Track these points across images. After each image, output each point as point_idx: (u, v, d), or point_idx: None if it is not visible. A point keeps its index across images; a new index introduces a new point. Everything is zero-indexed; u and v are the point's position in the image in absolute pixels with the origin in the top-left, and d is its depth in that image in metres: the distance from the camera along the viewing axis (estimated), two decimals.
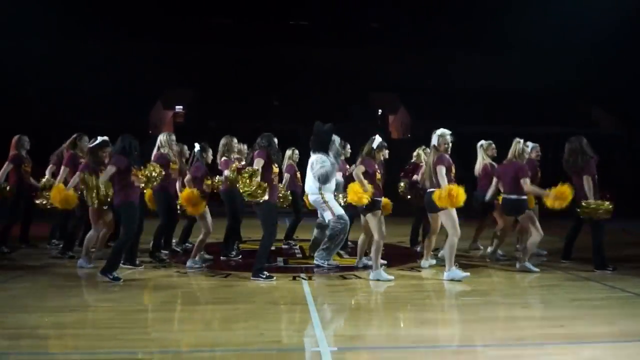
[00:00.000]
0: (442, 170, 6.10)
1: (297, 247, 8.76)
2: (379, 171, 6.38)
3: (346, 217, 6.89)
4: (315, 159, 7.02)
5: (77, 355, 3.77)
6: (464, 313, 5.09)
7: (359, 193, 6.09)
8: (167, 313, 4.92)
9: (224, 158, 7.45)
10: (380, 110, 25.12)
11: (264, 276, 6.09)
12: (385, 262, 6.76)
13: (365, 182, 6.13)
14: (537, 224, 6.69)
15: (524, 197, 6.71)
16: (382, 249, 6.29)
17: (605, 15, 19.78)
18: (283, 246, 8.62)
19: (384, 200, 6.59)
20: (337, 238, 6.86)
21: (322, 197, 6.96)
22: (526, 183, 6.61)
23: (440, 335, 4.34)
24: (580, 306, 5.13)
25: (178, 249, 7.96)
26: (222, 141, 7.51)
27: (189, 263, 6.87)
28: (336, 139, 7.17)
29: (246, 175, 5.75)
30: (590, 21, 20.16)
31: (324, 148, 7.05)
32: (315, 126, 7.22)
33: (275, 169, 6.15)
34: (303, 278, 6.32)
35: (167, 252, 7.65)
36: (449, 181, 6.13)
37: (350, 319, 4.88)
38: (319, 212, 7.22)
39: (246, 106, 22.38)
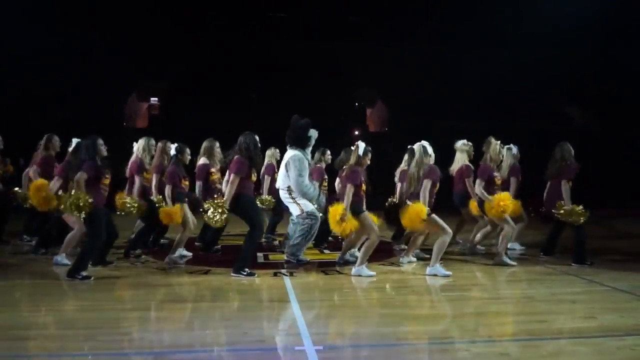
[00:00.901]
0: (428, 184, 6.09)
1: (277, 242, 8.66)
2: (365, 181, 6.31)
3: (317, 214, 6.70)
4: (292, 156, 6.72)
5: (52, 357, 3.65)
6: (447, 309, 5.11)
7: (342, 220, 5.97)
8: (146, 312, 4.80)
9: (202, 160, 7.23)
10: (357, 104, 25.09)
11: (245, 272, 6.00)
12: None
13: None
14: (509, 218, 6.78)
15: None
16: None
17: (577, 9, 20.07)
18: (263, 240, 8.50)
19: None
20: (308, 235, 6.67)
21: (291, 194, 6.75)
22: (477, 185, 6.86)
23: (424, 331, 4.33)
24: (560, 301, 5.17)
25: (154, 247, 7.77)
26: (205, 144, 7.27)
27: (167, 259, 6.73)
28: (314, 134, 6.92)
29: (216, 205, 5.96)
30: (562, 15, 20.43)
31: (300, 144, 6.81)
32: (292, 120, 6.99)
33: (254, 178, 6.23)
34: (284, 274, 6.26)
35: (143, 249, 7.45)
36: (431, 196, 6.14)
37: (334, 316, 4.83)
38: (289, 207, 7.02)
39: (224, 99, 22.13)
